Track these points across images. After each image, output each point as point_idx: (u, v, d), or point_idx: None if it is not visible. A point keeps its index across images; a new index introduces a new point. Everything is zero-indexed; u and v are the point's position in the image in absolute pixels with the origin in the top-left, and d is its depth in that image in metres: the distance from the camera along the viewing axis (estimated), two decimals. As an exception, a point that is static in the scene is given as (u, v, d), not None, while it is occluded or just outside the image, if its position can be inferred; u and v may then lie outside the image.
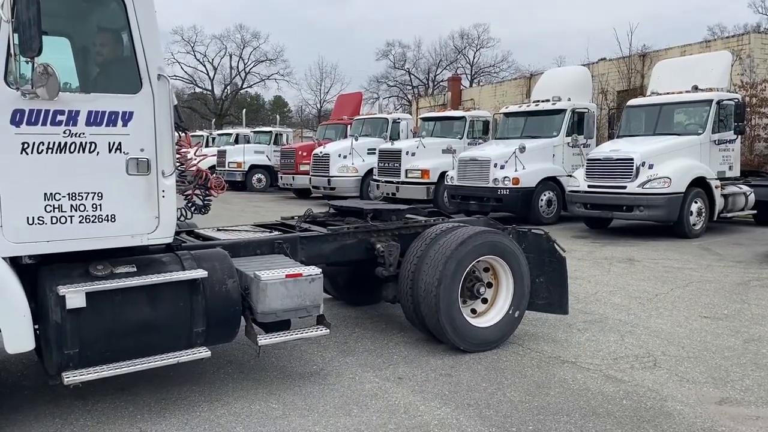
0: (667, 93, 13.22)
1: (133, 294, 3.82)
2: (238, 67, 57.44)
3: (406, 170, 16.92)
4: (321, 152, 19.58)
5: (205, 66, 56.96)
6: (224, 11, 79.61)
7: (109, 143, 3.80)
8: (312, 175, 19.91)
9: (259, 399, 4.28)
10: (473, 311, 5.36)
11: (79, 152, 3.71)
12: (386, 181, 17.40)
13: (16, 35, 3.32)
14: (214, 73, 57.45)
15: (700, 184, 11.96)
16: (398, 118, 20.61)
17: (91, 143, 3.74)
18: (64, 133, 3.66)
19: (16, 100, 3.51)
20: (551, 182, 14.05)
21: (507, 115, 16.08)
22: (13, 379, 4.67)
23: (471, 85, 46.90)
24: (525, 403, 4.22)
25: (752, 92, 18.35)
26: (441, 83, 53.17)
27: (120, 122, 3.82)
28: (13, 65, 3.42)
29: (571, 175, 13.35)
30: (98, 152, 3.77)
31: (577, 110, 14.63)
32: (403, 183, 16.93)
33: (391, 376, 4.70)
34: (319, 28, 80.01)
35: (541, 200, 13.90)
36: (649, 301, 7.05)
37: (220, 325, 4.15)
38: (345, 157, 19.07)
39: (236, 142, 27.78)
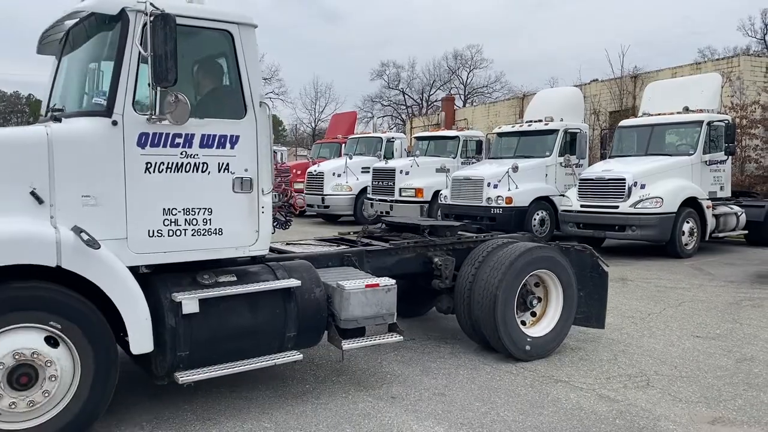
0: (659, 114, 13.36)
1: (236, 301, 4.14)
2: (233, 85, 57.66)
3: (400, 189, 17.01)
4: (315, 171, 19.65)
5: (200, 85, 57.17)
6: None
7: (219, 164, 4.21)
8: (306, 194, 19.94)
9: (252, 418, 4.25)
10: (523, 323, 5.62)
11: (193, 172, 4.11)
12: (380, 200, 17.46)
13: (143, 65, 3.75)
14: (210, 92, 57.66)
15: (691, 204, 12.06)
16: (392, 137, 20.73)
17: (203, 164, 4.15)
18: (181, 154, 4.06)
19: (142, 124, 3.90)
20: (544, 201, 14.11)
21: (500, 135, 16.20)
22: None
23: (464, 105, 47.18)
24: (518, 422, 4.21)
25: (742, 114, 18.58)
26: (435, 103, 53.52)
27: (228, 145, 4.23)
28: (151, 95, 3.80)
29: (563, 195, 13.43)
30: (209, 172, 4.17)
31: (569, 130, 14.75)
32: (396, 201, 17.01)
33: (384, 395, 4.69)
34: (314, 48, 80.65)
35: (534, 219, 13.95)
36: (641, 320, 7.07)
37: (308, 331, 4.49)
38: (339, 175, 19.12)
39: (231, 160, 27.78)
